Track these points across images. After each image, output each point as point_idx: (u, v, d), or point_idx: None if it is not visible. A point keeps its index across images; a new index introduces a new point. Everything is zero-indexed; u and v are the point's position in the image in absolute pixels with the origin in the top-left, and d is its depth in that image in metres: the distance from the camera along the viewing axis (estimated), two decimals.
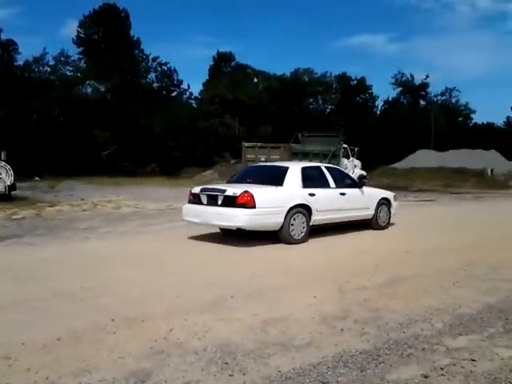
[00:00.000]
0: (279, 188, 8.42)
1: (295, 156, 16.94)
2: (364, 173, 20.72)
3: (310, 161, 17.16)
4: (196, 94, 53.13)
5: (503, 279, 5.91)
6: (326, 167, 9.75)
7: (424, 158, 40.29)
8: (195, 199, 8.64)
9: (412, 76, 61.71)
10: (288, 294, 5.16)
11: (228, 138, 42.82)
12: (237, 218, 7.81)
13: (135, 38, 47.03)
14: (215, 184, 9.98)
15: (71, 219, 11.49)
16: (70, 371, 3.24)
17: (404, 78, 61.90)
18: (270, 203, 8.12)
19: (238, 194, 7.86)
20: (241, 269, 6.50)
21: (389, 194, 10.65)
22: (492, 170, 34.55)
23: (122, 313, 4.41)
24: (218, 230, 9.09)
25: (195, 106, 50.99)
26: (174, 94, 49.64)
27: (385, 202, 10.30)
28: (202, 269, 6.49)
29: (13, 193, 16.21)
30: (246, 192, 7.84)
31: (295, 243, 8.15)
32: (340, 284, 5.55)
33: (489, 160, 36.62)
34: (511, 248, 8.19)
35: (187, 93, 51.31)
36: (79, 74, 37.22)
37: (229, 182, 9.83)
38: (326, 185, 9.16)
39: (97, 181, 25.19)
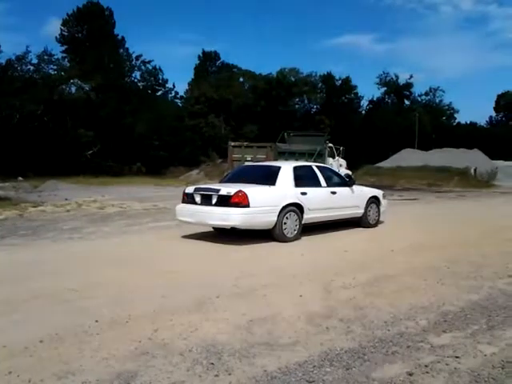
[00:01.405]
0: (272, 187, 8.49)
1: (281, 155, 16.97)
2: (349, 172, 20.79)
3: (296, 160, 17.24)
4: (181, 93, 53.03)
5: (486, 276, 5.98)
6: (317, 166, 9.86)
7: (408, 157, 40.59)
8: (189, 199, 8.66)
9: (396, 76, 62.36)
10: (274, 294, 5.15)
11: (214, 137, 42.74)
12: (231, 217, 7.87)
13: (119, 37, 46.78)
14: (209, 184, 9.97)
15: (55, 220, 11.34)
16: (53, 373, 3.19)
17: (388, 78, 62.50)
18: (264, 202, 8.20)
19: (232, 194, 7.92)
20: (227, 268, 6.48)
21: (378, 193, 10.78)
22: (475, 169, 34.98)
23: (106, 314, 4.36)
24: (206, 230, 9.08)
25: (180, 105, 50.79)
26: (160, 93, 49.36)
27: (374, 201, 10.44)
28: (188, 268, 6.45)
29: None
30: (239, 191, 7.91)
31: (288, 241, 8.26)
32: (326, 283, 5.57)
33: (472, 159, 37.03)
34: (493, 244, 8.31)
35: (172, 92, 51.16)
36: (63, 73, 36.72)
37: (221, 181, 9.84)
38: (317, 184, 9.27)
39: (81, 181, 24.96)
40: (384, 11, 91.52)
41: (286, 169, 8.98)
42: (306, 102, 57.90)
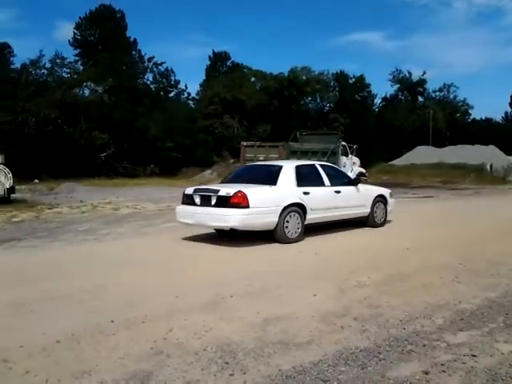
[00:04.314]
0: (273, 187, 8.33)
1: (294, 154, 16.91)
2: (363, 170, 20.72)
3: (309, 159, 17.16)
4: (193, 94, 53.17)
5: (503, 274, 5.90)
6: (320, 165, 9.65)
7: (423, 154, 40.26)
8: (188, 200, 8.53)
9: (409, 73, 61.79)
10: (288, 293, 5.14)
11: (227, 137, 42.78)
12: (230, 218, 7.72)
13: (131, 39, 47.12)
14: (209, 184, 9.90)
15: (70, 221, 11.47)
16: (70, 373, 3.22)
17: (401, 75, 61.97)
18: (264, 203, 8.04)
19: (231, 194, 7.78)
20: (240, 268, 6.50)
21: (385, 191, 10.54)
22: (491, 166, 34.57)
23: (121, 314, 4.40)
24: (215, 231, 9.07)
25: (193, 106, 50.94)
26: (172, 94, 49.61)
27: (381, 200, 10.20)
28: (200, 268, 6.48)
29: (12, 196, 16.22)
30: (239, 192, 7.76)
31: (290, 242, 8.09)
32: (339, 282, 5.54)
33: (487, 155, 36.60)
34: (510, 242, 8.20)
35: (185, 93, 51.35)
36: (76, 76, 37.09)
37: (223, 181, 9.74)
38: (320, 183, 9.06)
39: (96, 183, 25.21)
40: (395, 8, 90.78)
41: (288, 168, 8.80)
42: (318, 100, 57.61)
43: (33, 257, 7.40)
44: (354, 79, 58.79)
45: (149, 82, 47.01)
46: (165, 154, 37.23)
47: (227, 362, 3.40)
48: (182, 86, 50.20)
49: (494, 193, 22.86)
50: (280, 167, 8.84)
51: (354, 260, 6.93)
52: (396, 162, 41.67)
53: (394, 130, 54.19)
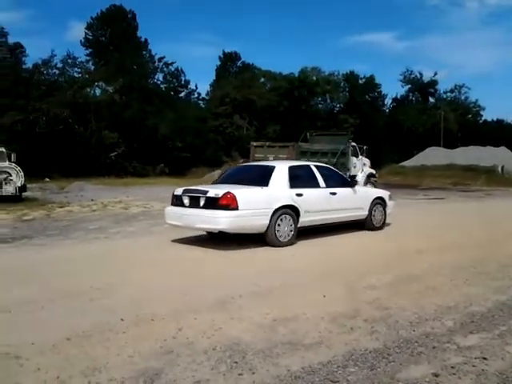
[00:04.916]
0: (264, 188, 8.04)
1: (304, 155, 16.86)
2: (373, 171, 20.60)
3: (319, 160, 17.10)
4: (203, 94, 53.32)
5: None
6: (315, 166, 9.34)
7: (433, 155, 40.06)
8: (178, 201, 8.27)
9: (420, 73, 61.53)
10: (296, 294, 5.14)
11: (237, 137, 42.83)
12: (218, 220, 7.47)
13: (142, 39, 47.37)
14: (198, 185, 9.64)
15: (81, 220, 11.56)
16: (80, 370, 3.25)
17: (412, 76, 61.73)
18: (254, 204, 7.76)
19: (219, 195, 7.52)
20: (248, 268, 6.50)
21: (384, 193, 10.26)
22: (503, 167, 34.27)
23: (131, 312, 4.42)
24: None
25: (203, 106, 51.07)
26: (182, 94, 49.78)
27: (380, 202, 9.87)
28: (207, 268, 6.51)
29: (23, 194, 16.40)
30: (228, 193, 7.51)
31: (281, 246, 7.81)
32: (348, 283, 5.53)
33: (499, 157, 36.32)
34: None
35: (195, 93, 51.51)
36: (87, 76, 37.36)
37: (215, 182, 9.47)
38: (315, 184, 8.77)
39: (106, 182, 25.37)
40: (406, 8, 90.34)
41: (281, 169, 8.51)
42: (328, 101, 57.54)
43: (43, 255, 7.46)
44: (364, 80, 58.64)
45: (159, 82, 47.27)
46: (175, 154, 37.35)
47: (236, 362, 3.40)
48: (192, 86, 50.44)
49: (506, 195, 22.66)
50: (272, 168, 8.56)
51: (362, 262, 6.91)
52: (406, 163, 41.48)
53: (404, 131, 53.95)
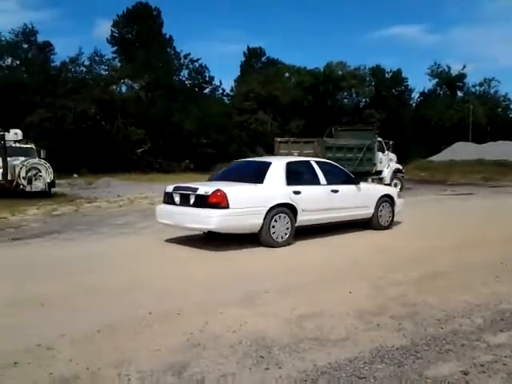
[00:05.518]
0: (259, 186, 7.66)
1: (329, 150, 16.73)
2: (400, 166, 20.30)
3: (344, 155, 16.97)
4: (227, 90, 53.39)
5: None
6: (316, 162, 8.88)
7: (462, 150, 39.19)
8: (169, 199, 7.95)
9: (448, 67, 60.18)
10: (323, 290, 5.13)
11: (261, 133, 42.78)
12: (207, 219, 7.10)
13: (167, 36, 47.69)
14: (189, 182, 9.20)
15: (109, 215, 11.75)
16: (110, 362, 3.32)
17: (440, 69, 60.42)
18: (247, 203, 7.36)
19: (209, 193, 7.15)
20: (273, 265, 6.53)
21: (392, 191, 9.82)
22: None
23: (158, 306, 4.49)
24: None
25: (227, 102, 51.16)
26: (206, 90, 49.96)
27: (387, 200, 9.35)
28: (232, 264, 6.56)
29: (52, 190, 16.74)
30: (218, 190, 7.13)
31: (277, 246, 7.43)
32: (375, 280, 5.49)
33: None
34: None
35: (219, 89, 51.62)
36: (114, 73, 37.85)
37: (211, 179, 8.99)
38: (315, 181, 8.33)
39: (132, 177, 25.70)
40: (434, 1, 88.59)
41: (277, 165, 8.11)
42: (354, 95, 56.90)
43: (73, 250, 7.60)
44: (390, 74, 57.75)
45: (184, 79, 47.52)
46: (199, 150, 37.56)
47: (262, 356, 3.42)
48: (216, 82, 50.56)
49: None
50: (268, 164, 8.16)
51: (385, 259, 6.83)
52: (434, 158, 40.72)
53: (432, 125, 52.99)
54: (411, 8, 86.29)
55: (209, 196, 7.14)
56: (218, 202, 7.07)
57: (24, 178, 15.63)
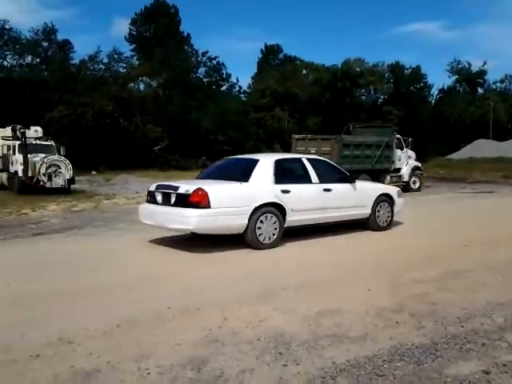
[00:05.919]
0: (244, 184, 7.33)
1: (347, 147, 16.62)
2: (418, 164, 20.06)
3: (362, 152, 16.84)
4: (244, 87, 53.40)
5: None
6: (308, 159, 8.47)
7: (482, 148, 38.68)
8: (151, 198, 7.67)
9: (469, 63, 59.36)
10: (340, 288, 5.11)
11: (278, 130, 42.71)
12: (187, 219, 6.80)
13: (185, 34, 47.90)
14: (171, 181, 8.75)
15: (127, 211, 11.82)
16: (130, 356, 3.35)
17: (460, 66, 59.67)
18: (230, 202, 7.04)
19: (190, 192, 6.86)
20: (291, 262, 6.50)
21: (391, 190, 9.34)
22: None
23: (177, 302, 4.52)
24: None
25: (244, 99, 51.18)
26: (223, 88, 50.04)
27: (385, 199, 8.94)
28: (252, 261, 6.57)
29: (72, 186, 16.96)
30: (199, 189, 6.83)
31: (263, 248, 7.10)
32: (394, 277, 5.45)
33: None
34: None
35: (236, 86, 51.66)
36: (132, 71, 38.19)
37: (198, 177, 8.80)
38: (306, 180, 7.97)
39: (150, 174, 25.86)
40: None
41: (265, 162, 7.74)
42: (372, 92, 56.43)
43: (92, 245, 7.70)
44: (409, 70, 57.12)
45: (201, 76, 47.67)
46: (216, 147, 37.66)
47: (281, 353, 3.42)
48: (233, 79, 50.62)
49: None
50: (255, 161, 7.79)
51: (406, 256, 6.76)
52: (454, 155, 40.25)
53: (451, 122, 52.30)
54: (430, 4, 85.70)
55: (189, 195, 6.85)
56: (198, 201, 6.78)
57: (44, 174, 15.87)
